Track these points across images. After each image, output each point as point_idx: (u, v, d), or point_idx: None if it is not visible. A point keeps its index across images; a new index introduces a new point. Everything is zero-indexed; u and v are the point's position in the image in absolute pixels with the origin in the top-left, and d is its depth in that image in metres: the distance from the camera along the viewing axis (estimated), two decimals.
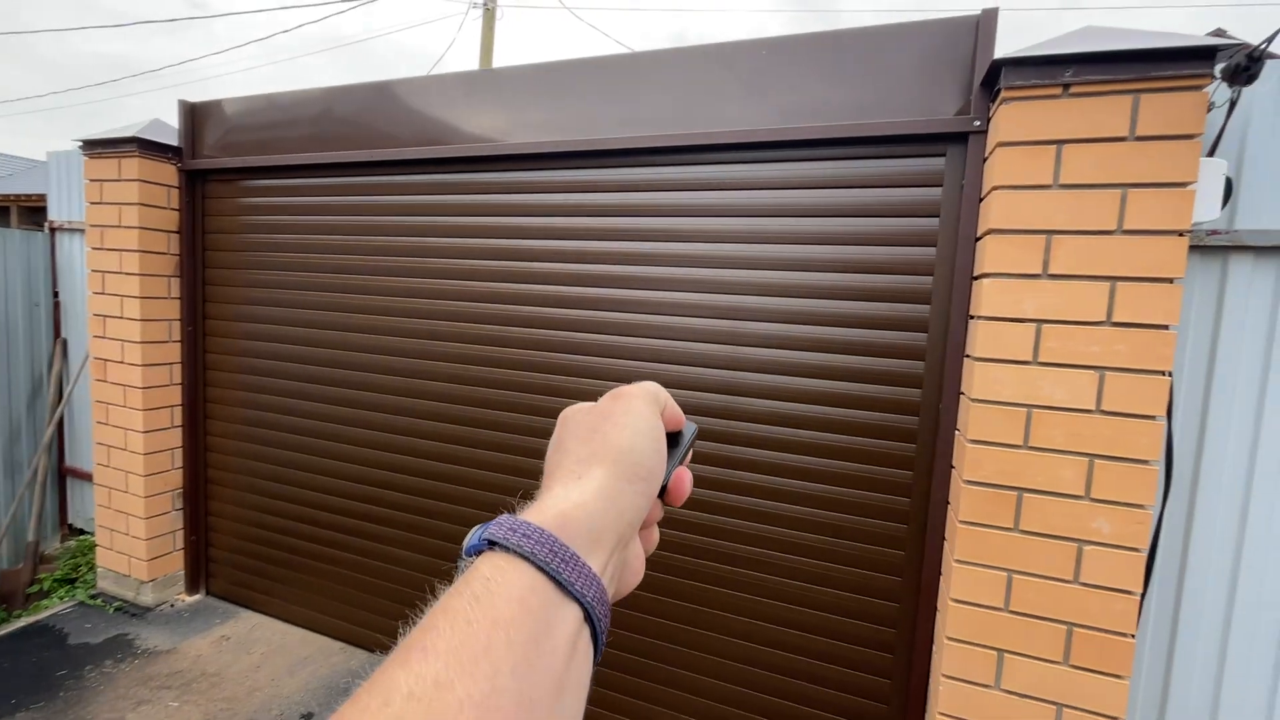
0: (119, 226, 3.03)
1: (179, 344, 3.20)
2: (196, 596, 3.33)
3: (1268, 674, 1.83)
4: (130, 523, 3.17)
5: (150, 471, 3.12)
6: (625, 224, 2.31)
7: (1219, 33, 1.62)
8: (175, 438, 3.23)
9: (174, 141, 3.08)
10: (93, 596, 3.30)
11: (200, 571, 3.34)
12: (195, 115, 3.09)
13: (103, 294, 3.12)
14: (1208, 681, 1.87)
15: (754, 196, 2.13)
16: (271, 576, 3.17)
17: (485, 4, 10.05)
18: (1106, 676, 1.63)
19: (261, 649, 2.91)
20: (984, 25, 1.77)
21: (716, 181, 2.18)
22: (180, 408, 3.23)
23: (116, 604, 3.22)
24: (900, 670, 2.03)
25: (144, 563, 3.16)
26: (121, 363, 3.10)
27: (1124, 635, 1.61)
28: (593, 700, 2.42)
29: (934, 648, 1.93)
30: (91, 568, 3.54)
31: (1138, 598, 1.60)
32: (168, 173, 3.09)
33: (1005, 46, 1.72)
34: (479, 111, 2.49)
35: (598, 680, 2.23)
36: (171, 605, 3.24)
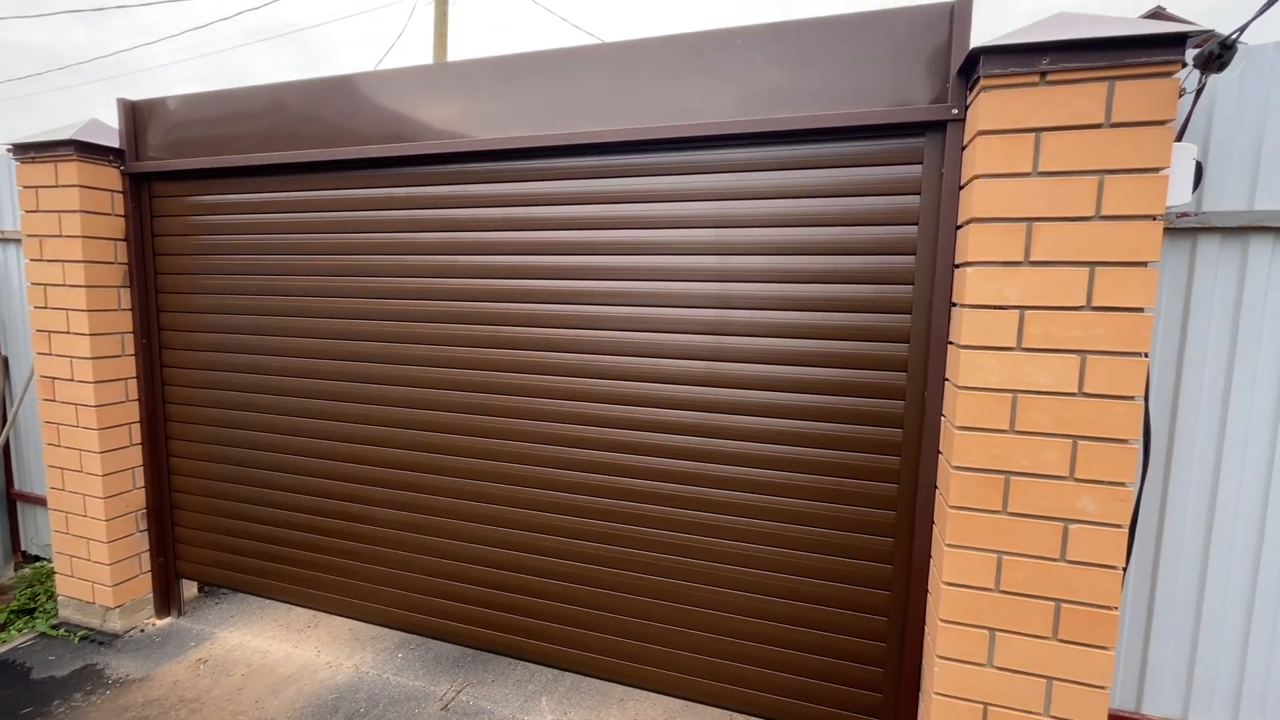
0: (59, 236, 2.85)
1: (133, 358, 3.04)
2: (168, 619, 3.20)
3: (1238, 633, 1.92)
4: (91, 547, 3.02)
5: (110, 493, 2.97)
6: (600, 212, 2.27)
7: (1158, 10, 1.65)
8: (135, 456, 3.07)
9: (115, 143, 2.89)
10: (55, 626, 3.14)
11: (171, 594, 3.21)
12: (137, 114, 2.91)
13: (45, 308, 2.94)
14: (1184, 644, 1.96)
15: (729, 205, 2.11)
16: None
17: None
18: (1093, 649, 1.69)
19: (242, 670, 2.81)
20: (959, 12, 1.77)
21: (684, 193, 2.15)
22: (139, 424, 3.07)
23: (81, 633, 3.07)
24: (894, 653, 2.07)
25: (109, 588, 3.01)
26: (71, 380, 2.93)
27: (1109, 608, 1.67)
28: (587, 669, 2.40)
29: (926, 629, 1.97)
30: (51, 596, 3.36)
31: (1121, 571, 1.66)
32: (110, 176, 2.91)
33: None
34: (440, 107, 2.40)
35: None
36: (142, 630, 3.11)
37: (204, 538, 3.12)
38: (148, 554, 3.15)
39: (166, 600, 3.20)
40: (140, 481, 3.10)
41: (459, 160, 2.43)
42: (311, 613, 3.26)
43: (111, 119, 2.93)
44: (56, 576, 3.17)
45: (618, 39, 2.20)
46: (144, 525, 3.12)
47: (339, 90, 2.53)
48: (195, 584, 3.44)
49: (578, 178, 2.28)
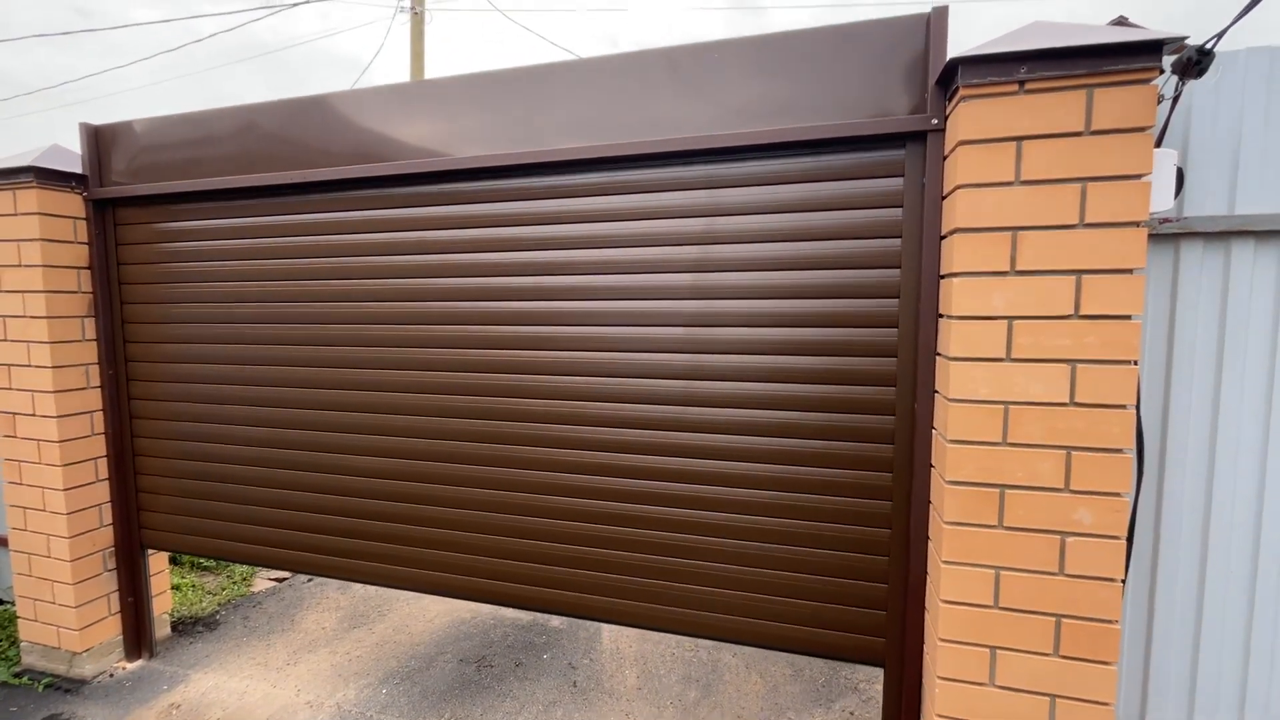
0: (19, 266, 2.74)
1: (99, 390, 2.92)
2: (139, 662, 3.06)
3: (1239, 640, 1.90)
4: (56, 589, 2.88)
5: (75, 532, 2.84)
6: (580, 231, 2.23)
7: (1120, 19, 1.65)
8: (102, 492, 2.95)
9: (77, 169, 2.80)
10: (17, 674, 2.98)
11: (142, 635, 3.07)
12: (100, 139, 2.82)
13: (5, 341, 2.82)
14: (1185, 653, 1.93)
15: (714, 197, 2.08)
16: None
17: (413, 8, 9.71)
18: (1095, 664, 1.65)
19: (217, 714, 2.68)
20: (935, 23, 1.76)
21: (667, 209, 2.12)
22: (105, 459, 2.95)
23: (46, 680, 2.92)
24: (894, 675, 2.02)
25: (75, 632, 2.88)
26: (33, 415, 2.81)
27: (1110, 622, 1.63)
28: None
29: (925, 649, 1.92)
30: (14, 642, 3.20)
31: (1120, 584, 1.63)
32: (73, 203, 2.81)
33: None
34: (415, 126, 2.35)
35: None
36: (111, 675, 2.96)
37: (177, 541, 2.99)
38: (116, 594, 3.01)
39: (138, 641, 3.06)
40: (107, 519, 2.97)
41: (434, 180, 2.37)
42: (291, 650, 3.13)
43: (77, 145, 2.85)
44: (19, 621, 3.02)
45: (602, 54, 2.17)
46: (112, 564, 2.99)
47: (312, 110, 2.47)
48: (168, 623, 3.30)
49: (553, 196, 2.24)
